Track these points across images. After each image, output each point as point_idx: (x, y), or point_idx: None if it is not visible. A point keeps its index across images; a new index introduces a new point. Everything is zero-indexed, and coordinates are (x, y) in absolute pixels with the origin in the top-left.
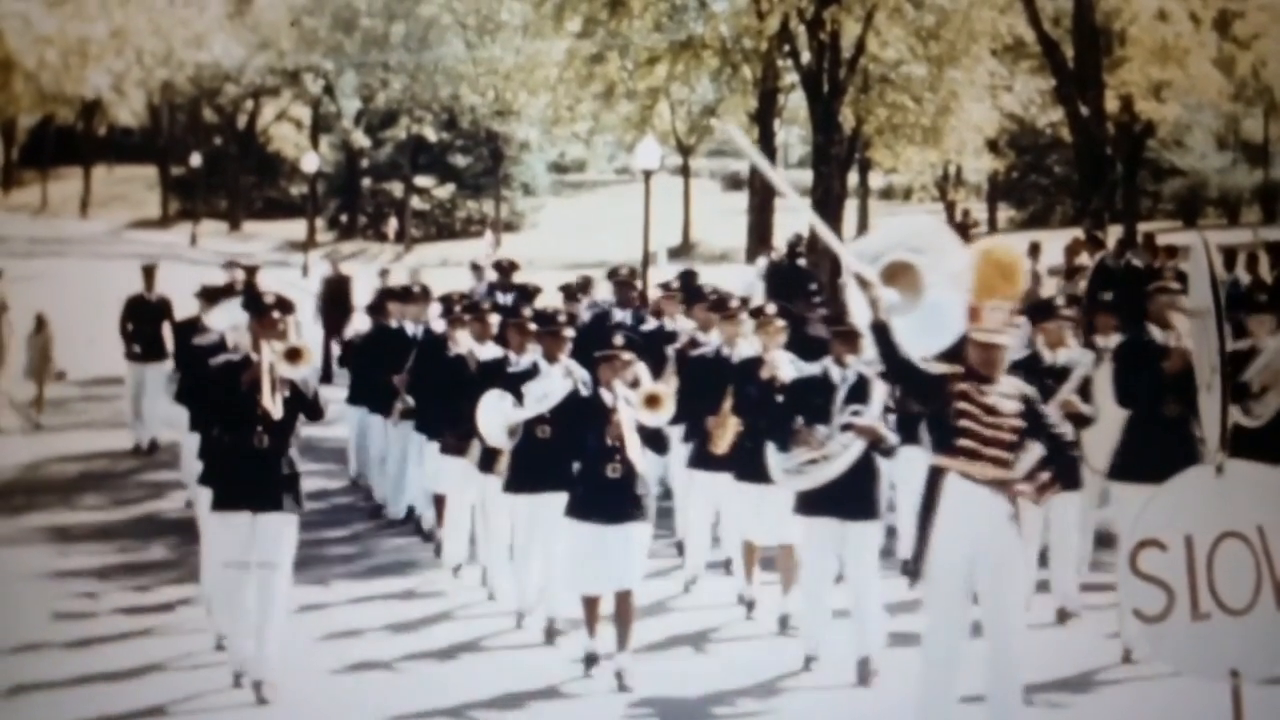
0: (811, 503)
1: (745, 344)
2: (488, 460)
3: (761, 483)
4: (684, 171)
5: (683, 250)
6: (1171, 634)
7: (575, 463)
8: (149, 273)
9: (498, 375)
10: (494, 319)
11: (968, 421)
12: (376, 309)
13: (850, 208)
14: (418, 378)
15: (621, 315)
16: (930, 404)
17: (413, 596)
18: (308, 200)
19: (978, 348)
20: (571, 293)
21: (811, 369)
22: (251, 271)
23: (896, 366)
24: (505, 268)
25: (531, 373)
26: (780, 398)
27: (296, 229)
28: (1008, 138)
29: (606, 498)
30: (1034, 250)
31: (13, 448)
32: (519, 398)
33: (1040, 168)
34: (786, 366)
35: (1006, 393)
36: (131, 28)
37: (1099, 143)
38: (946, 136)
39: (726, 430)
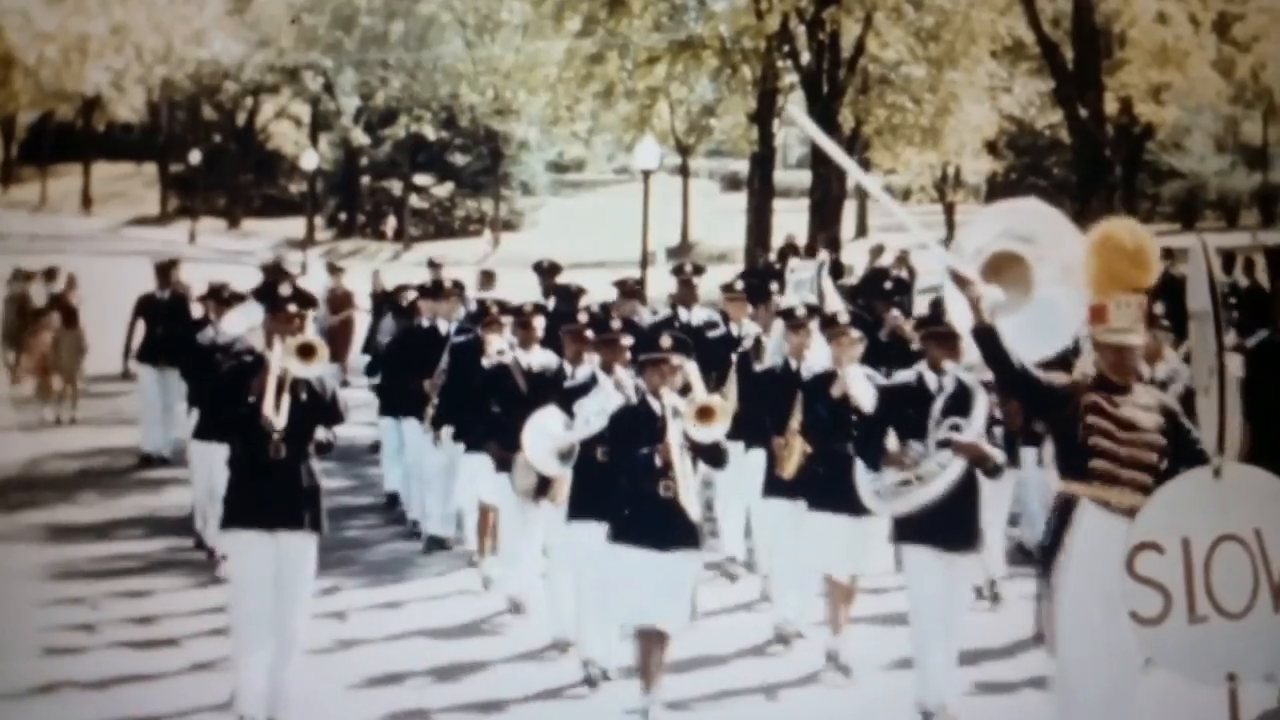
0: (912, 529)
1: (815, 355)
2: (542, 487)
3: (838, 511)
4: (683, 171)
5: (681, 250)
6: (1168, 637)
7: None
8: (163, 271)
9: (551, 388)
10: (540, 323)
11: (1101, 439)
12: (405, 309)
13: (849, 209)
14: (453, 382)
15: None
16: (1054, 420)
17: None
18: (307, 198)
19: (1108, 351)
20: (629, 290)
21: (905, 376)
22: (282, 274)
23: (1010, 377)
24: (547, 270)
25: (589, 386)
26: (855, 417)
27: (295, 227)
28: (1007, 139)
29: (655, 520)
30: None
31: (11, 445)
32: (572, 414)
33: (1039, 169)
34: (861, 384)
35: (1144, 404)
36: (131, 24)
37: (1098, 145)
38: (945, 138)
39: (793, 452)
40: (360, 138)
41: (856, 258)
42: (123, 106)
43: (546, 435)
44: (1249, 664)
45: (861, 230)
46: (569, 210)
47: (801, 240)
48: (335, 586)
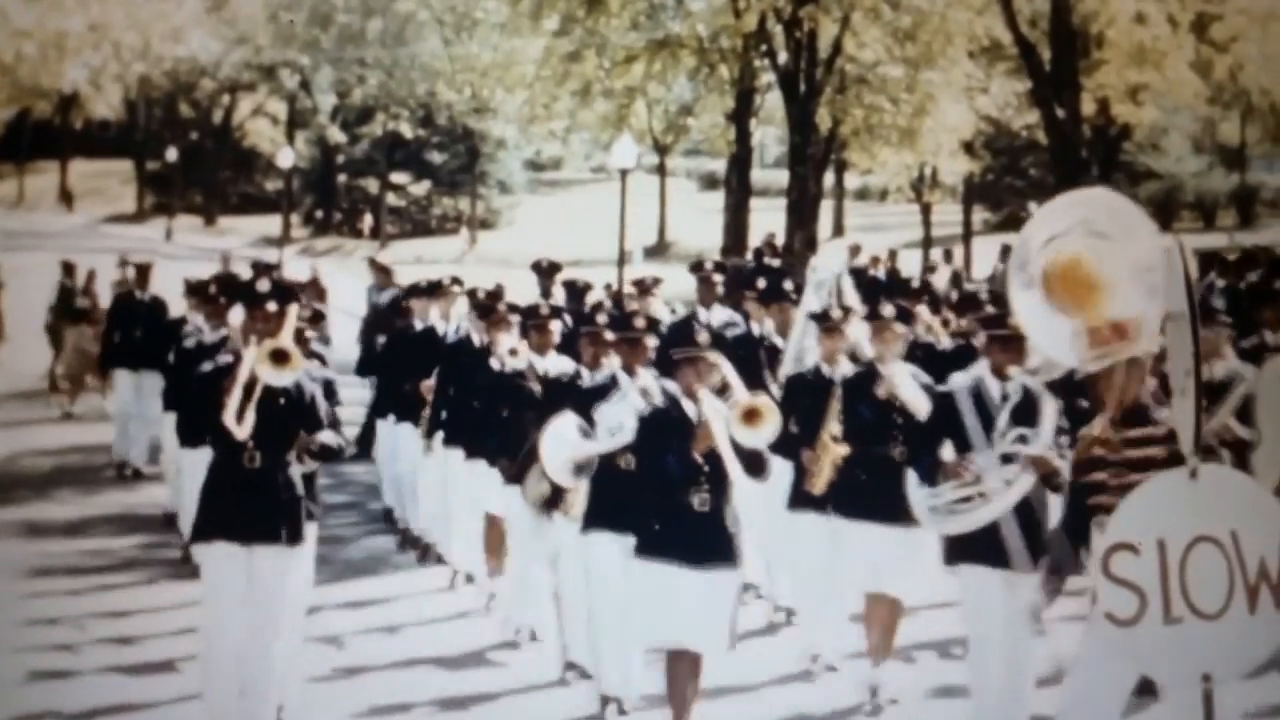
0: (969, 548)
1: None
2: (554, 498)
3: (883, 522)
4: (660, 170)
5: (659, 249)
6: (1143, 638)
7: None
8: (143, 271)
9: (568, 393)
10: (556, 326)
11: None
12: (396, 309)
13: (825, 208)
14: (457, 387)
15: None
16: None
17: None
18: (283, 196)
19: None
20: (647, 288)
21: (962, 380)
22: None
23: None
24: (547, 270)
25: (608, 389)
26: (900, 419)
27: (272, 224)
28: (983, 140)
29: (689, 534)
30: (1005, 253)
31: None
32: (591, 420)
33: (1016, 170)
34: (910, 385)
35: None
36: (109, 22)
37: (1075, 145)
38: (922, 138)
39: (824, 464)
40: (337, 135)
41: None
42: (100, 104)
43: (565, 445)
44: (1224, 665)
45: (838, 229)
46: (546, 209)
47: (780, 240)
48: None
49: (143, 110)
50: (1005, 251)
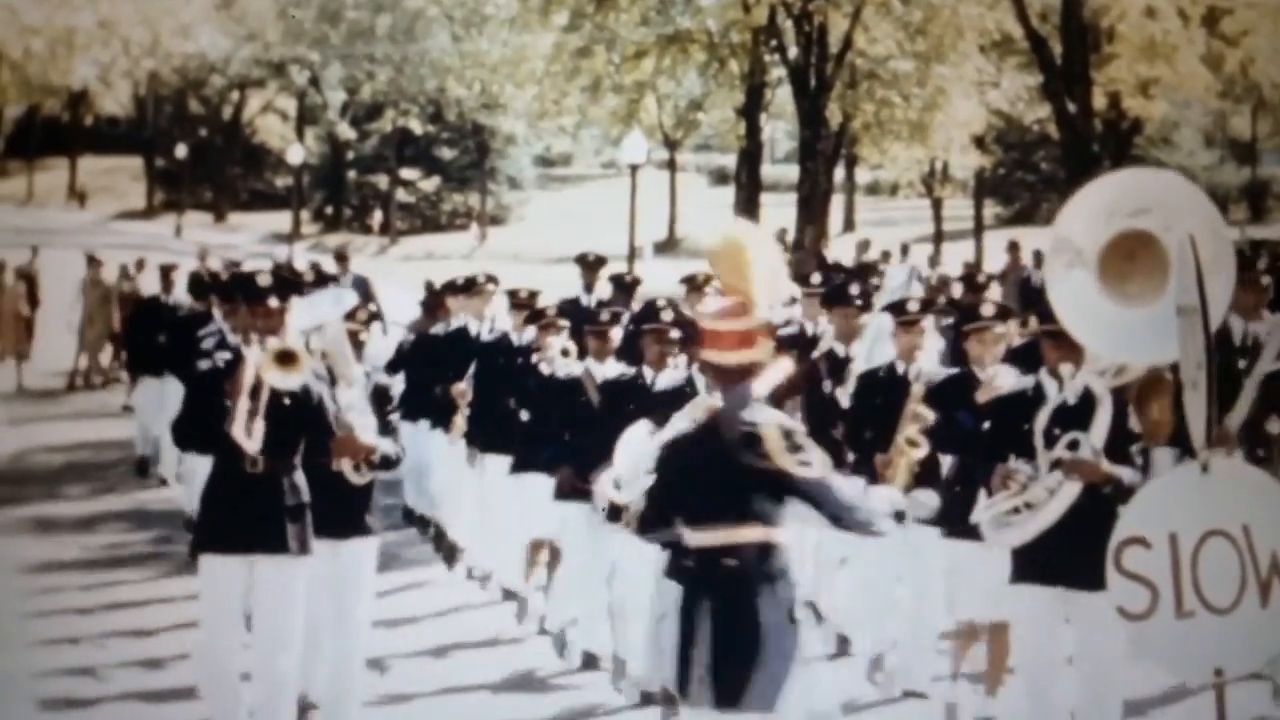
0: (1024, 565)
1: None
2: (617, 510)
3: (975, 539)
4: (670, 166)
5: (669, 245)
6: (1155, 632)
7: None
8: (166, 274)
9: (633, 398)
10: (617, 333)
11: None
12: (429, 306)
13: (836, 203)
14: (498, 392)
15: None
16: None
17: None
18: (293, 192)
19: None
20: (699, 285)
21: (1022, 382)
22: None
23: None
24: (593, 263)
25: (681, 394)
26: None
27: (281, 221)
28: (995, 134)
29: None
30: (1013, 248)
31: None
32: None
33: (1027, 164)
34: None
35: None
36: (118, 18)
37: (1086, 140)
38: (933, 132)
39: (901, 471)
40: (346, 132)
41: (843, 252)
42: (109, 100)
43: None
44: (1236, 659)
45: (849, 225)
46: (556, 205)
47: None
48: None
49: (152, 107)
50: (1013, 247)
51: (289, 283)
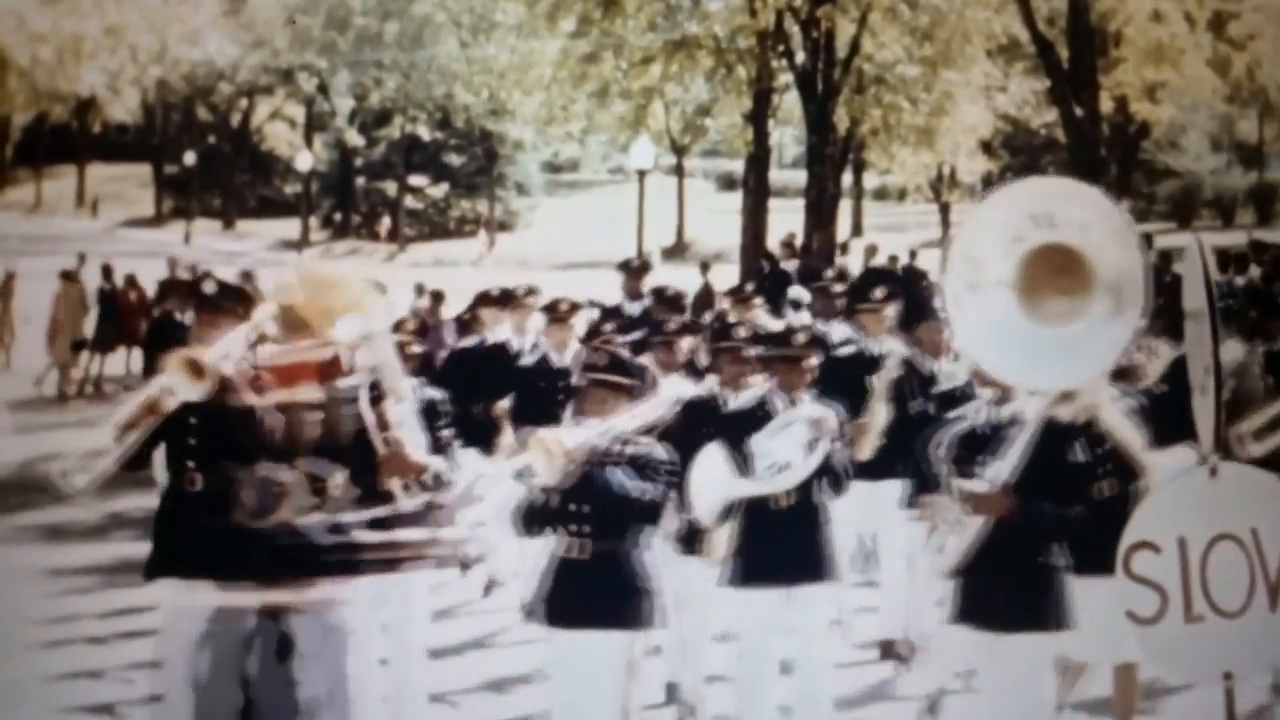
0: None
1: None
2: (690, 539)
3: (1108, 573)
4: (678, 171)
5: (676, 250)
6: (1165, 636)
7: None
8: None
9: (704, 420)
10: (686, 345)
11: None
12: (464, 320)
13: (844, 208)
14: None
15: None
16: None
17: None
18: (301, 199)
19: None
20: (746, 297)
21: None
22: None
23: None
24: (636, 270)
25: (758, 415)
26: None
27: (290, 228)
28: (1002, 139)
29: None
30: None
31: (6, 446)
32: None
33: (1034, 169)
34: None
35: None
36: (126, 25)
37: (1093, 144)
38: (941, 137)
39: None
40: (355, 139)
41: (851, 258)
42: (117, 108)
43: (718, 482)
44: (1245, 663)
45: (857, 230)
46: (564, 210)
47: (799, 240)
48: None
49: (160, 114)
50: None
51: (237, 292)
